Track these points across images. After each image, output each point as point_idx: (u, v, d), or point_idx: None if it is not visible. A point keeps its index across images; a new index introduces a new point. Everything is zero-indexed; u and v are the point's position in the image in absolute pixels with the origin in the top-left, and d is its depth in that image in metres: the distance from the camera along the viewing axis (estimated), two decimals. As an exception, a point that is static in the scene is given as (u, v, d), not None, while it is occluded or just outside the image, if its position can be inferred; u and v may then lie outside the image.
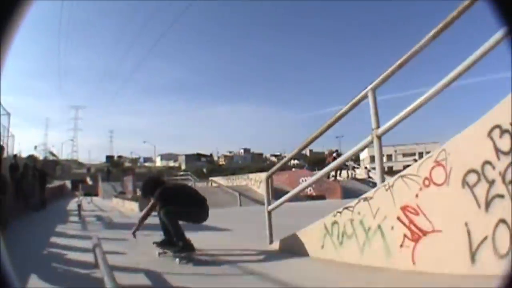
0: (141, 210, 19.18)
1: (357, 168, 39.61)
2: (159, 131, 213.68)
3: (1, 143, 20.23)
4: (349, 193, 23.70)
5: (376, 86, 5.91)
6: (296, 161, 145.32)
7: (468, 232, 4.16)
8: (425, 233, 4.68)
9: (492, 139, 4.00)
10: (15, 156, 20.22)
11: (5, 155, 16.77)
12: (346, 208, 5.93)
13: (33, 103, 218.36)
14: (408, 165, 5.52)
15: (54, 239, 10.28)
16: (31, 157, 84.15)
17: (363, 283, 4.87)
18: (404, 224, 4.93)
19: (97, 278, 5.52)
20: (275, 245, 7.54)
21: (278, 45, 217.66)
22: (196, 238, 9.55)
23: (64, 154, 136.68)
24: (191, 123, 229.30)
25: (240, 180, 30.13)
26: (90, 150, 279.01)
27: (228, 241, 9.35)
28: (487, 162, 4.04)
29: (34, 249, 8.83)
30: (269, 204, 8.12)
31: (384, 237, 5.22)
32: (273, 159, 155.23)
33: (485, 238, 4.00)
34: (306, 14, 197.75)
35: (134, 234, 7.83)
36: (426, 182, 4.69)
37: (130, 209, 21.48)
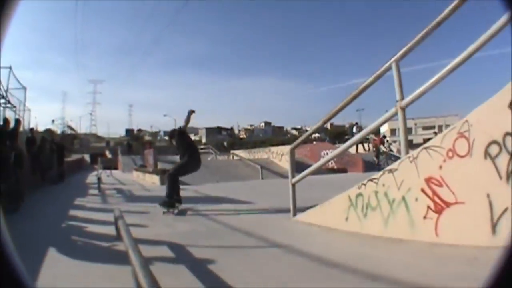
0: (162, 183, 19.35)
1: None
2: (179, 105, 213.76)
3: (17, 117, 20.59)
4: (371, 167, 23.70)
5: (400, 58, 5.95)
6: (317, 135, 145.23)
7: (490, 204, 4.25)
8: (448, 204, 4.78)
9: (512, 110, 4.06)
10: (31, 129, 20.47)
11: (21, 129, 16.85)
12: (371, 180, 6.02)
13: (51, 77, 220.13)
14: (429, 139, 5.56)
15: (73, 212, 10.34)
16: (48, 131, 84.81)
17: (387, 254, 4.94)
18: (428, 196, 5.03)
19: (119, 251, 5.65)
20: (299, 218, 7.64)
21: (299, 17, 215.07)
22: (218, 210, 9.86)
23: (82, 128, 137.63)
24: (211, 96, 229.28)
25: (261, 153, 30.24)
26: (109, 124, 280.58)
27: (250, 214, 9.36)
28: (508, 134, 4.11)
29: (52, 222, 8.87)
30: (293, 176, 8.18)
31: (408, 209, 5.33)
32: (294, 132, 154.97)
33: (506, 209, 4.11)
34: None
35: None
36: (450, 154, 4.77)
37: (151, 182, 21.60)
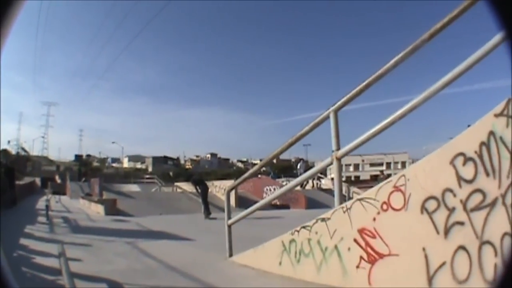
0: (106, 213, 19.01)
1: (322, 178, 39.94)
2: (128, 132, 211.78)
3: None
4: (313, 203, 23.62)
5: (339, 107, 5.68)
6: (263, 168, 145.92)
7: (426, 257, 3.94)
8: (381, 256, 4.43)
9: (454, 166, 3.81)
10: None
11: None
12: (304, 227, 5.70)
13: (9, 96, 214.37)
14: (376, 175, 5.38)
15: (23, 241, 10.08)
16: (4, 152, 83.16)
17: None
18: (361, 246, 4.67)
19: (61, 285, 5.71)
20: (235, 258, 7.29)
21: (248, 48, 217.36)
22: (158, 247, 9.55)
23: (35, 150, 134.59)
24: (159, 125, 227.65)
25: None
26: (60, 148, 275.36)
27: (188, 252, 9.11)
28: (448, 190, 3.82)
29: (6, 251, 8.09)
30: (229, 218, 7.92)
31: (341, 258, 4.96)
32: (240, 164, 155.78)
33: (444, 263, 3.73)
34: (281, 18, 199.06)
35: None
36: (384, 207, 4.44)
37: (96, 211, 20.83)
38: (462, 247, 3.67)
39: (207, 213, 19.60)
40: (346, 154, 5.64)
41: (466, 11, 4.20)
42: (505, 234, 3.37)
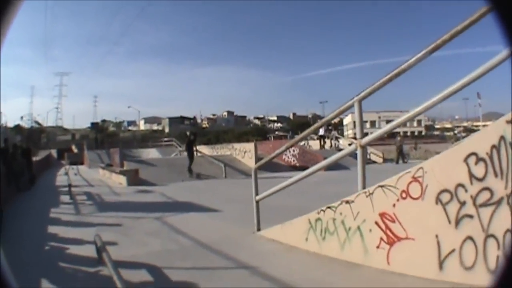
0: (129, 184, 19.69)
1: (340, 138, 40.52)
2: (143, 94, 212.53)
3: None
4: (332, 165, 24.15)
5: (363, 97, 6.08)
6: (279, 124, 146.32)
7: (438, 243, 4.51)
8: (399, 239, 5.02)
9: (467, 164, 4.30)
10: (5, 140, 20.00)
11: None
12: (329, 207, 6.21)
13: (20, 72, 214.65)
14: (393, 133, 5.86)
15: (51, 229, 10.06)
16: (17, 127, 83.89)
17: (342, 279, 5.22)
18: (381, 229, 5.26)
19: (108, 277, 5.54)
20: (263, 233, 7.90)
21: (264, 4, 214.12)
22: (187, 222, 10.01)
23: (49, 121, 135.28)
24: (175, 86, 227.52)
25: (224, 150, 30.08)
26: (75, 116, 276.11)
27: (217, 226, 9.56)
28: (461, 185, 4.35)
29: (35, 245, 8.50)
30: (257, 194, 8.38)
31: (363, 238, 5.56)
32: (257, 121, 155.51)
33: (453, 250, 4.34)
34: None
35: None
36: (403, 195, 4.98)
37: (118, 182, 21.36)
38: (470, 238, 4.25)
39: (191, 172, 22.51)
40: (369, 142, 6.23)
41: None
42: (507, 230, 3.92)
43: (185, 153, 24.76)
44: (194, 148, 24.79)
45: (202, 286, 5.34)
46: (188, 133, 26.24)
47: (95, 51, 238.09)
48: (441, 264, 4.54)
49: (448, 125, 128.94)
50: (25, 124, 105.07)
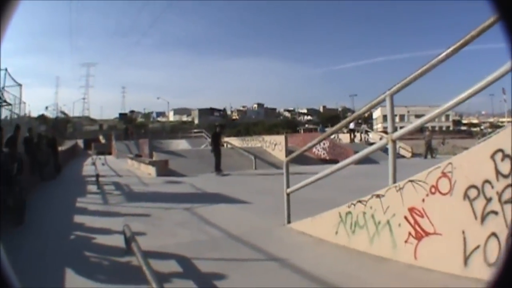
0: (158, 175, 20.14)
1: (370, 132, 40.62)
2: (173, 86, 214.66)
3: (13, 114, 20.86)
4: (362, 159, 24.24)
5: (395, 92, 6.29)
6: (309, 117, 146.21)
7: (464, 239, 4.72)
8: (427, 234, 5.26)
9: (494, 161, 4.49)
10: (30, 129, 20.26)
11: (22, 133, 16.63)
12: (360, 201, 6.47)
13: (45, 62, 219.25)
14: (421, 128, 5.98)
15: (77, 218, 10.26)
16: (42, 117, 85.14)
17: (371, 273, 5.45)
18: (410, 223, 5.50)
19: (133, 267, 5.88)
20: (293, 225, 8.19)
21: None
22: (217, 213, 10.26)
23: (76, 111, 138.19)
24: (205, 77, 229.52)
25: (254, 142, 30.47)
26: (102, 106, 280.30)
27: (247, 218, 9.80)
28: (487, 181, 4.55)
29: (60, 234, 8.69)
30: (288, 187, 8.62)
31: (392, 232, 5.81)
32: (287, 114, 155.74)
33: (478, 246, 4.57)
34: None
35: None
36: (433, 190, 5.21)
37: (147, 173, 21.84)
38: (494, 234, 4.47)
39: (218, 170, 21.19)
40: (401, 136, 6.43)
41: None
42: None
43: (208, 144, 24.95)
44: (221, 142, 23.88)
45: (231, 277, 5.58)
46: (216, 124, 25.36)
47: (122, 41, 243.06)
48: (466, 260, 4.74)
49: (475, 121, 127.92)
50: (50, 114, 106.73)
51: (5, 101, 19.79)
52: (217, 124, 24.37)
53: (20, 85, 22.27)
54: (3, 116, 19.91)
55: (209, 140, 22.85)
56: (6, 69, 19.96)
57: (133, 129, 70.87)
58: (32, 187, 15.47)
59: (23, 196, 10.40)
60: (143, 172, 22.68)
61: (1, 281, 1.75)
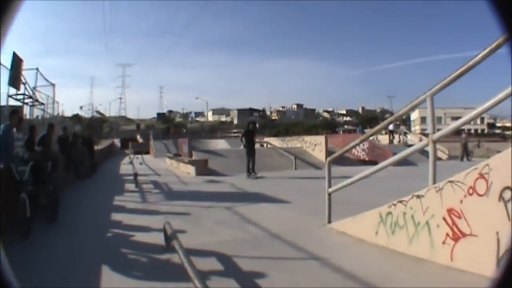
0: (197, 174, 20.47)
1: (408, 133, 40.61)
2: (211, 86, 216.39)
3: (46, 113, 21.40)
4: (401, 160, 24.25)
5: (435, 92, 6.49)
6: (348, 118, 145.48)
7: (498, 241, 4.92)
8: (464, 235, 5.47)
9: (527, 163, 4.71)
10: (64, 128, 20.96)
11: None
12: (400, 201, 6.69)
13: (79, 63, 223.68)
14: (457, 131, 6.11)
15: (115, 216, 10.52)
16: (76, 116, 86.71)
17: (409, 274, 5.66)
18: (448, 224, 5.72)
19: (172, 265, 6.11)
20: (334, 225, 8.45)
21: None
22: (257, 212, 10.40)
23: (112, 111, 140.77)
24: (244, 77, 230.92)
25: (294, 142, 30.72)
26: (139, 106, 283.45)
27: (288, 217, 9.98)
28: (521, 183, 4.78)
29: (96, 232, 8.88)
30: (329, 186, 8.85)
31: (430, 233, 6.04)
32: (326, 115, 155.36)
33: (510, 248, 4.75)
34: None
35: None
36: (470, 191, 5.42)
37: (187, 172, 22.24)
38: (525, 236, 4.71)
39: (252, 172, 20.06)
40: (442, 137, 6.64)
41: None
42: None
43: (254, 146, 24.48)
44: (255, 140, 21.85)
45: (271, 275, 5.83)
46: (249, 121, 24.13)
47: (159, 42, 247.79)
48: (499, 262, 4.89)
49: (508, 124, 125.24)
50: (85, 113, 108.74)
51: (37, 100, 20.56)
52: (250, 121, 22.87)
53: (53, 84, 23.26)
54: (35, 116, 20.55)
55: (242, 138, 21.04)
56: (37, 69, 20.71)
57: (175, 129, 71.45)
58: (67, 186, 15.96)
59: (57, 194, 10.63)
60: (182, 171, 23.13)
61: (1, 281, 1.82)
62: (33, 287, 5.32)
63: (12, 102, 16.93)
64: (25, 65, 18.43)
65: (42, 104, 21.26)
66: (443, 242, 5.78)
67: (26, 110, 19.31)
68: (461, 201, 5.54)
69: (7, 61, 15.85)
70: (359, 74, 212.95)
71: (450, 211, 5.71)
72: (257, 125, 21.16)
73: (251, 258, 6.61)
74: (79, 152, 20.50)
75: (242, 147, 20.57)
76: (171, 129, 67.30)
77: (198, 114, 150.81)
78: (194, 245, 7.14)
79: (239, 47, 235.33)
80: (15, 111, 10.86)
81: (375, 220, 7.22)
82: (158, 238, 7.50)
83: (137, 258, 6.92)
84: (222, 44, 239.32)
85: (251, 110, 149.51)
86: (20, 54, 17.27)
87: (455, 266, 5.51)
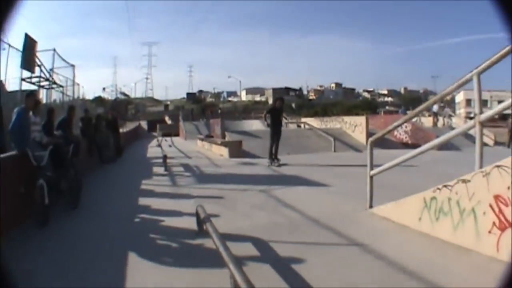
0: (231, 156, 20.42)
1: (453, 116, 39.88)
2: (244, 64, 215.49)
3: (67, 96, 21.44)
4: (444, 144, 23.92)
5: (482, 70, 6.32)
6: (390, 99, 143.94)
7: None
8: (510, 224, 5.32)
9: None
10: (86, 110, 20.93)
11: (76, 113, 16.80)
12: (445, 186, 6.57)
13: (100, 43, 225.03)
14: (505, 115, 5.99)
15: (143, 201, 10.47)
16: (98, 99, 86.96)
17: (453, 264, 5.54)
18: (494, 212, 5.58)
19: (204, 250, 6.19)
20: (375, 210, 8.38)
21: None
22: (295, 195, 10.35)
23: (138, 92, 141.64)
24: (279, 55, 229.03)
25: (333, 123, 30.48)
26: (167, 86, 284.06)
27: (327, 201, 9.87)
28: None
29: (123, 217, 8.89)
30: (371, 169, 8.75)
31: (476, 221, 5.92)
32: (366, 95, 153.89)
33: None
34: None
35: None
36: None
37: (219, 154, 22.31)
38: None
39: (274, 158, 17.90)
40: (490, 118, 6.47)
41: None
42: None
43: (289, 125, 23.80)
44: (281, 120, 19.40)
45: (310, 261, 5.86)
46: (277, 97, 21.12)
47: (186, 19, 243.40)
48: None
49: None
50: (108, 96, 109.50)
51: (54, 82, 20.56)
52: (278, 98, 20.29)
53: (72, 66, 23.21)
54: (53, 99, 20.60)
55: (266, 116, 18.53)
56: (54, 50, 20.42)
57: (212, 109, 71.34)
58: (90, 170, 16.08)
59: (79, 179, 10.64)
60: (214, 154, 23.24)
61: (1, 282, 1.85)
62: (48, 280, 5.31)
63: (26, 86, 16.84)
64: (40, 47, 18.33)
65: (61, 86, 21.28)
66: (489, 231, 5.64)
67: (43, 93, 19.38)
68: (509, 188, 5.36)
69: (20, 44, 15.81)
70: (402, 52, 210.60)
71: (497, 198, 5.57)
72: (284, 102, 18.72)
73: (288, 243, 6.61)
74: (103, 135, 20.49)
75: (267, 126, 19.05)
76: (207, 108, 66.99)
77: (230, 93, 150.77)
78: (228, 230, 7.13)
79: (275, 23, 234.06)
80: (31, 94, 10.96)
81: (419, 205, 7.11)
82: (190, 223, 7.55)
83: (168, 243, 6.94)
84: (254, 20, 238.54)
85: (287, 89, 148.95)
86: (34, 36, 17.18)
87: (500, 258, 5.36)
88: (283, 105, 19.24)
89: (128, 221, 8.57)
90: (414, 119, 30.54)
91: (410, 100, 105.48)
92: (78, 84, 24.72)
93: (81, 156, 13.72)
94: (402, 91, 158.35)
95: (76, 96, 24.51)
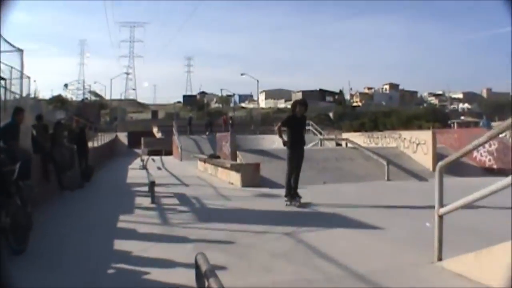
0: (244, 185, 20.27)
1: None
2: (263, 57, 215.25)
3: (10, 92, 21.05)
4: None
5: None
6: (467, 105, 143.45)
7: None
8: None
9: None
10: (39, 116, 20.39)
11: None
12: None
13: (65, 21, 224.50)
14: None
15: (119, 244, 10.24)
16: (57, 98, 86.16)
17: None
18: None
19: None
20: (447, 264, 7.95)
21: None
22: (333, 241, 10.27)
23: (115, 92, 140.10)
24: (312, 45, 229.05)
25: (387, 140, 30.33)
26: (156, 85, 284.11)
27: (377, 249, 9.67)
28: None
29: (91, 268, 8.55)
30: (441, 205, 8.29)
31: None
32: (432, 100, 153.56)
33: None
34: None
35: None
36: None
37: (228, 182, 22.20)
38: None
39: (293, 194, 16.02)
40: None
41: None
42: None
43: (326, 143, 23.36)
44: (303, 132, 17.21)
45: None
46: (297, 100, 18.79)
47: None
48: None
49: None
50: (72, 95, 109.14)
51: None
52: (298, 101, 18.09)
53: (20, 50, 21.73)
54: None
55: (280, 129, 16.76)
56: None
57: (230, 118, 71.02)
58: (45, 199, 15.94)
59: (27, 212, 10.22)
60: (221, 181, 23.19)
61: (1, 281, 1.80)
62: None
63: None
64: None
65: (3, 79, 20.55)
66: None
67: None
68: None
69: None
70: (481, 38, 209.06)
71: None
72: (306, 107, 16.54)
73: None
74: (64, 150, 20.16)
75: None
76: (226, 117, 66.46)
77: (244, 97, 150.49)
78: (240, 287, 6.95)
79: (306, 2, 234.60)
80: None
81: (510, 258, 6.64)
82: (186, 277, 7.16)
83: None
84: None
85: (322, 93, 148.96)
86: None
87: None
88: (305, 110, 16.84)
89: (97, 274, 8.19)
90: (502, 135, 30.26)
91: (495, 107, 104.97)
92: (28, 77, 23.80)
93: (32, 179, 12.91)
94: (484, 94, 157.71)
95: (25, 94, 23.93)
